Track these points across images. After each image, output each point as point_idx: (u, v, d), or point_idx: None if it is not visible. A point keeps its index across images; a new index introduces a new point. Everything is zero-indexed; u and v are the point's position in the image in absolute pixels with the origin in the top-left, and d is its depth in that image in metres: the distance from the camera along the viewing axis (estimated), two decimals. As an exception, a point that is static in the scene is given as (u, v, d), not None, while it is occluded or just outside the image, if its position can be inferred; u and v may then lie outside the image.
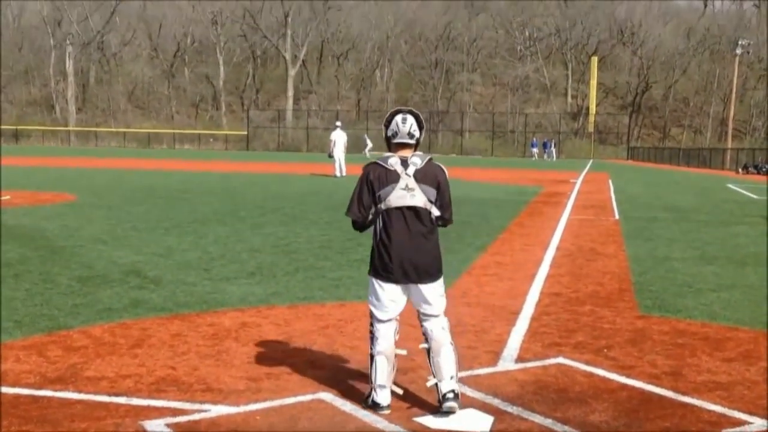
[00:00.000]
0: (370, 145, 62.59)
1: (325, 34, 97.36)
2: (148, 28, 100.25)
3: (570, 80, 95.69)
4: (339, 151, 30.95)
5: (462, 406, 4.64)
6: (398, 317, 4.74)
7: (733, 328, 6.95)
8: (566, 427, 4.45)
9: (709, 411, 4.79)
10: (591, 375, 5.50)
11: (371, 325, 4.74)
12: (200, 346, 5.99)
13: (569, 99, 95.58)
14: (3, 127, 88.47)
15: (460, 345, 6.19)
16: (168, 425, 4.36)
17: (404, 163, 4.58)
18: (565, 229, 14.53)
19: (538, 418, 4.59)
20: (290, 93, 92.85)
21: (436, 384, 4.63)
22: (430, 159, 4.66)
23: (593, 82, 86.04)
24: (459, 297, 8.05)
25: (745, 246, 12.69)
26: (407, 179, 4.54)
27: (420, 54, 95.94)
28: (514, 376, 5.45)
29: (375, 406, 4.65)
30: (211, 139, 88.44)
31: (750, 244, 13.00)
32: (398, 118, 4.62)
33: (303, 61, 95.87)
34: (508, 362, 5.78)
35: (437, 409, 4.61)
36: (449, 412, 4.54)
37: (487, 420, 4.53)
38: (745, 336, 6.67)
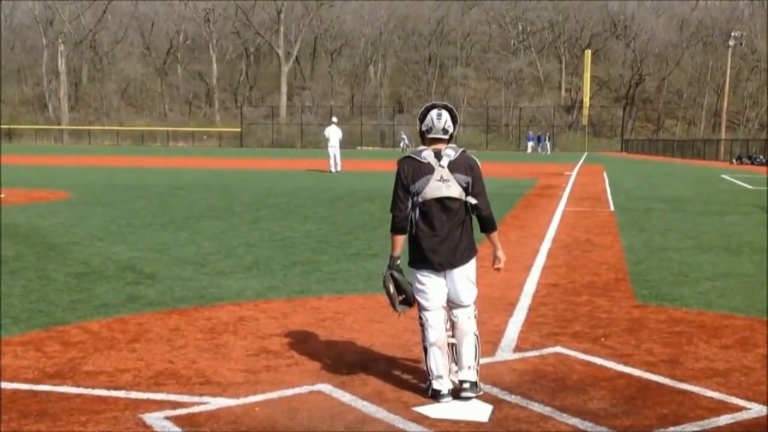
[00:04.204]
0: (406, 140, 64.52)
1: (318, 30, 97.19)
2: (140, 26, 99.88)
3: (564, 74, 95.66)
4: (333, 147, 31.01)
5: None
6: (446, 306, 4.83)
7: (730, 315, 6.97)
8: (565, 415, 4.47)
9: (707, 398, 4.81)
10: (589, 363, 5.51)
11: (420, 317, 4.81)
12: (198, 339, 5.98)
13: (563, 92, 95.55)
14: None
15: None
16: (167, 418, 4.36)
17: (438, 155, 4.66)
18: (560, 220, 14.55)
19: (536, 407, 4.60)
20: (284, 89, 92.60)
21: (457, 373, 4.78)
22: (464, 151, 4.74)
23: (587, 75, 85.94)
24: (456, 289, 8.05)
25: (740, 235, 12.72)
26: (442, 170, 4.62)
27: (413, 49, 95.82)
28: (512, 365, 5.46)
29: (436, 395, 4.70)
30: (205, 137, 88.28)
31: (745, 233, 13.03)
32: (433, 113, 4.73)
33: (296, 57, 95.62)
34: (506, 352, 5.79)
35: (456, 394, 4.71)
36: (464, 398, 4.66)
37: (486, 408, 4.54)
38: (741, 323, 6.69)
